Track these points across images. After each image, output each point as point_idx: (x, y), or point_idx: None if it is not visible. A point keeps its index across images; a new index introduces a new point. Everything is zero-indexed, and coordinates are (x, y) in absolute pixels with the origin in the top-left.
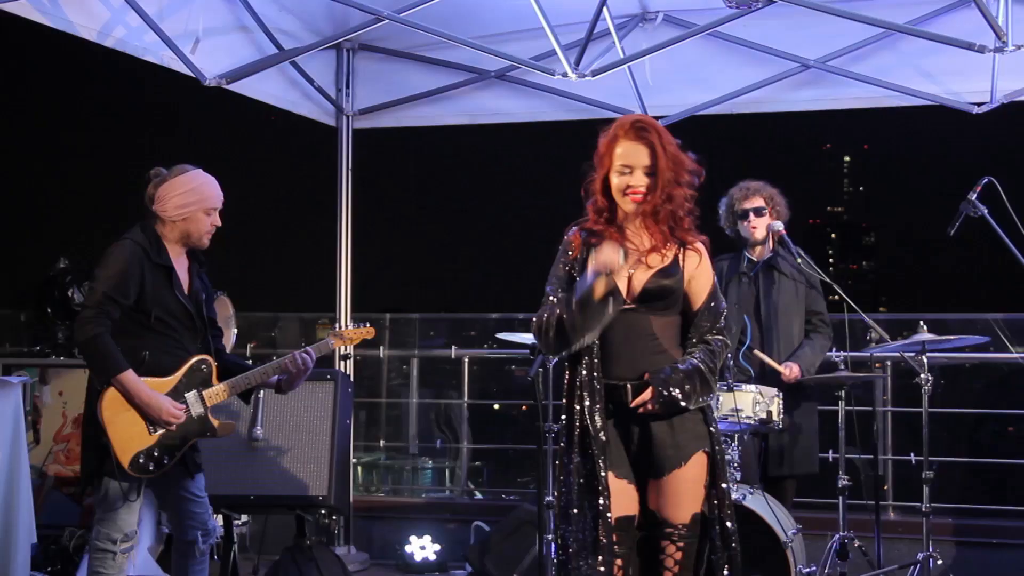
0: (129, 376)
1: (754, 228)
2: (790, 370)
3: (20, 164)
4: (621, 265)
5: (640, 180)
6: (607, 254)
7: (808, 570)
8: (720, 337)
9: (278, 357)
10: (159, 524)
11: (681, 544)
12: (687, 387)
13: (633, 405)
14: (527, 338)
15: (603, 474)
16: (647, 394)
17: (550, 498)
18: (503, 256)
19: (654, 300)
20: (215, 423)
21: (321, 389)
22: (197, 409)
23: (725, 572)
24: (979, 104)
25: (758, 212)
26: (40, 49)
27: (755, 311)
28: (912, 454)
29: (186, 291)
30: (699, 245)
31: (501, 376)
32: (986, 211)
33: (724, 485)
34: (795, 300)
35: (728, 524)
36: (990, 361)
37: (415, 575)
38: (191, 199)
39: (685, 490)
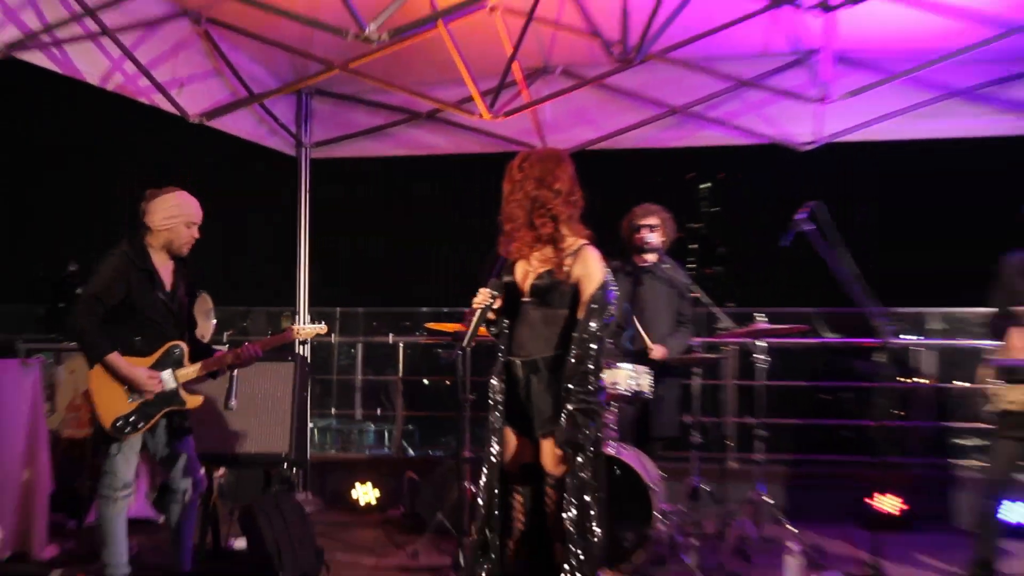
0: (112, 357)
1: (643, 241)
2: (658, 350)
3: (36, 185)
4: (485, 304)
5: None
6: (478, 296)
7: (668, 508)
8: (592, 349)
9: (249, 342)
10: (155, 476)
11: (549, 490)
12: (576, 435)
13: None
14: (449, 327)
15: (496, 426)
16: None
17: (467, 453)
18: (432, 262)
19: (539, 295)
20: (185, 396)
21: (284, 368)
22: (170, 384)
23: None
24: (807, 144)
25: (651, 228)
26: (49, 90)
27: (635, 304)
28: (749, 416)
29: (169, 291)
30: (585, 252)
31: (429, 357)
32: (811, 228)
33: (578, 453)
34: (667, 301)
35: (583, 475)
36: (810, 344)
37: (360, 515)
38: (175, 213)
39: (549, 448)
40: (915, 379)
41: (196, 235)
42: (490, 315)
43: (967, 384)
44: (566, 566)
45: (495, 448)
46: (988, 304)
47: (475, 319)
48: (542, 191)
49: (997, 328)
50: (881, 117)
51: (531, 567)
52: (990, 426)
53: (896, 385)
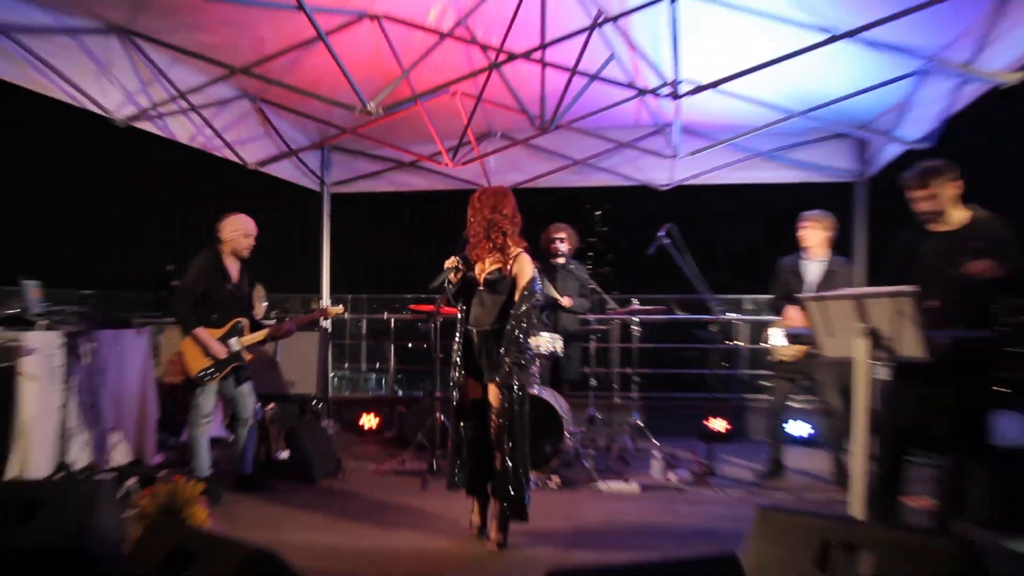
0: (198, 331)
1: (556, 248)
2: (566, 300)
3: (146, 212)
4: (452, 265)
5: (470, 215)
6: (448, 263)
7: (573, 429)
8: (523, 322)
9: (289, 318)
10: (227, 409)
11: (493, 416)
12: (511, 380)
13: (497, 405)
14: (426, 308)
15: (457, 375)
16: (496, 393)
17: (438, 394)
18: (414, 262)
19: (489, 286)
20: (246, 355)
21: (312, 336)
22: (235, 347)
23: (512, 439)
24: (665, 185)
25: (561, 240)
26: (155, 148)
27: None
28: (628, 367)
29: (235, 283)
30: (521, 257)
31: (413, 328)
32: (668, 242)
33: (511, 393)
34: (573, 289)
35: (516, 408)
36: (668, 319)
37: (365, 436)
38: (237, 228)
39: (495, 390)
40: (734, 342)
41: (252, 243)
42: (453, 277)
43: (764, 344)
44: (505, 469)
45: (456, 396)
46: (771, 291)
47: (443, 272)
48: (495, 215)
49: (776, 307)
50: (712, 169)
51: (479, 471)
52: (772, 372)
53: (722, 346)
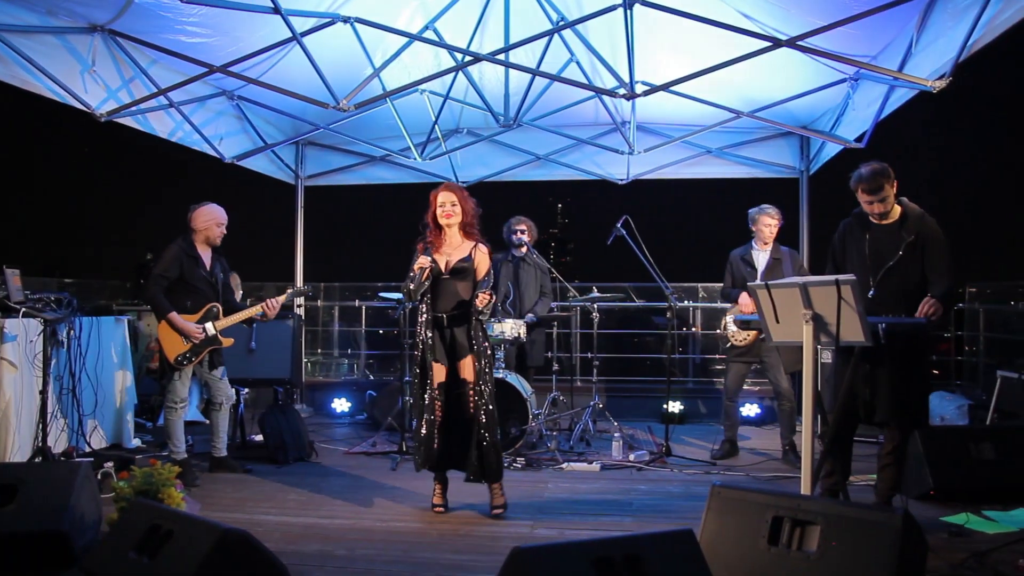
0: (172, 315)
1: (519, 239)
2: (529, 317)
3: (126, 204)
4: (427, 266)
5: (449, 208)
6: (420, 260)
7: (537, 412)
8: (485, 295)
9: (264, 303)
10: (203, 393)
11: (471, 392)
12: (492, 300)
13: (481, 305)
14: (395, 295)
15: (429, 359)
16: (486, 297)
17: (407, 378)
18: (382, 251)
19: (457, 273)
20: (222, 340)
21: (286, 323)
22: (211, 331)
23: (487, 406)
24: (622, 179)
25: (521, 232)
26: (136, 143)
27: (514, 281)
28: (589, 353)
29: (208, 270)
30: (483, 247)
31: (383, 315)
32: (625, 232)
33: (484, 366)
34: (534, 279)
35: (487, 387)
36: (626, 306)
37: (337, 419)
38: (208, 218)
39: (468, 366)
40: (689, 328)
41: (223, 232)
42: (425, 277)
43: (718, 331)
44: (485, 437)
45: (429, 376)
46: (724, 281)
47: (419, 277)
48: (470, 209)
49: (728, 296)
50: (665, 165)
51: (450, 444)
52: (727, 356)
53: (678, 332)
